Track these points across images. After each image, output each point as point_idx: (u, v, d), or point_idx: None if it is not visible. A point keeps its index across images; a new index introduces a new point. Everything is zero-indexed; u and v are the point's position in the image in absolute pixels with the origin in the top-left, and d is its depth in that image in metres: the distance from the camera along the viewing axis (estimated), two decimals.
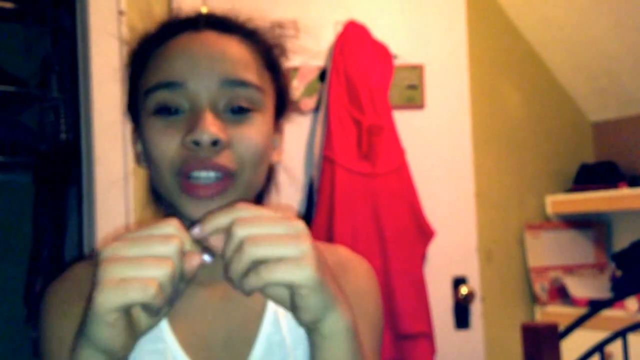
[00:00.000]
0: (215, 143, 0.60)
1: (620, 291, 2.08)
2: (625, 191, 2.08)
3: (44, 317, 0.67)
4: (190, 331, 0.66)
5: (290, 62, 1.69)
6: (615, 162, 2.24)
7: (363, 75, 1.70)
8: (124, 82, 0.71)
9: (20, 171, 2.33)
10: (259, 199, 0.72)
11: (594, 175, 2.23)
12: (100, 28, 1.59)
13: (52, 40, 2.26)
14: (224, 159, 0.61)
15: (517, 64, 2.26)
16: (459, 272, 1.81)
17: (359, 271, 0.72)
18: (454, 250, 1.79)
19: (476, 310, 1.81)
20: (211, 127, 0.60)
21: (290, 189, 1.69)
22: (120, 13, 1.61)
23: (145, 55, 0.66)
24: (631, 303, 1.95)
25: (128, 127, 1.35)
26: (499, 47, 2.22)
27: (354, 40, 1.72)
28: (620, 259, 2.15)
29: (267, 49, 0.68)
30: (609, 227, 2.32)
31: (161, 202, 0.70)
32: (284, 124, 0.73)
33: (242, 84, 0.63)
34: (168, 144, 0.61)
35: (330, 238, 1.61)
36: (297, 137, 1.72)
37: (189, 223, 0.56)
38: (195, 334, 0.66)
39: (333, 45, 1.73)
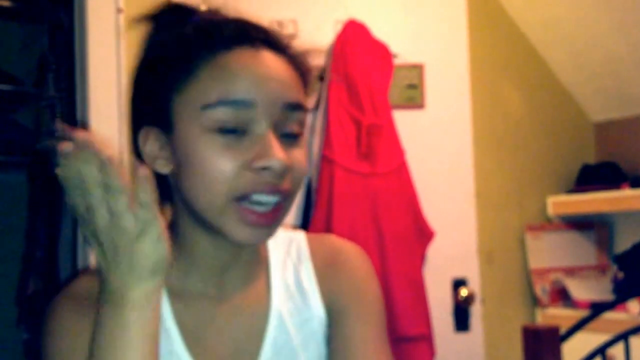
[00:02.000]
0: (285, 170, 0.61)
1: (622, 293, 2.08)
2: (627, 192, 2.08)
3: (51, 335, 0.65)
4: (201, 344, 0.67)
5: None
6: (618, 162, 2.24)
7: (363, 74, 1.70)
8: (142, 71, 0.67)
9: (15, 170, 2.33)
10: None
11: (595, 175, 2.23)
12: (98, 26, 1.59)
13: (49, 38, 2.26)
14: (287, 184, 0.63)
15: (518, 63, 2.26)
16: (459, 273, 1.80)
17: (353, 260, 0.74)
18: (453, 252, 1.79)
19: (476, 312, 1.80)
20: (282, 154, 0.61)
21: None
22: (119, 11, 1.61)
23: (191, 58, 0.63)
24: (633, 305, 1.94)
25: (125, 127, 1.35)
26: (500, 46, 2.22)
27: (354, 40, 1.72)
28: (622, 260, 2.15)
29: (303, 72, 0.69)
30: (611, 229, 2.31)
31: (187, 210, 0.67)
32: None
33: (299, 107, 0.65)
34: (229, 165, 0.61)
35: None
36: None
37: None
38: (206, 346, 0.67)
39: (333, 45, 1.73)
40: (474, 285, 1.80)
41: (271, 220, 0.62)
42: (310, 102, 0.70)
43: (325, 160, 1.66)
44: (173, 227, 0.69)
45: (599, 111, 2.35)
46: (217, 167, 0.61)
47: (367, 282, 0.73)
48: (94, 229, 0.54)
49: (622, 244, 2.25)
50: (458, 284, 1.80)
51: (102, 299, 0.56)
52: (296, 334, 0.69)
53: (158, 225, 0.54)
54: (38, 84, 2.27)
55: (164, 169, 0.66)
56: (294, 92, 0.64)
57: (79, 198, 0.53)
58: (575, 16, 2.13)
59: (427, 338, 1.68)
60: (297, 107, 0.64)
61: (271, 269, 0.72)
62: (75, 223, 1.87)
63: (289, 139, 0.64)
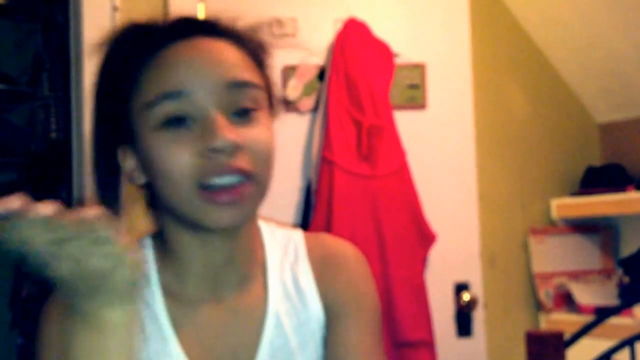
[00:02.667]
0: (233, 148, 0.62)
1: (627, 298, 2.07)
2: (633, 194, 2.07)
3: (42, 343, 0.65)
4: (197, 346, 0.67)
5: (288, 60, 1.67)
6: (623, 164, 2.23)
7: (363, 74, 1.70)
8: (99, 94, 0.69)
9: (8, 171, 2.32)
10: None
11: (600, 178, 2.22)
12: (93, 24, 1.59)
13: (44, 36, 2.26)
14: (241, 161, 0.62)
15: (521, 63, 2.26)
16: (461, 277, 1.80)
17: (351, 262, 0.74)
18: (456, 255, 1.79)
19: (479, 317, 1.79)
20: (227, 132, 0.61)
21: (287, 191, 1.69)
22: (115, 9, 1.61)
23: (133, 65, 0.66)
24: (639, 310, 1.94)
25: None
26: (503, 45, 2.22)
27: (354, 39, 1.71)
28: (627, 264, 2.14)
29: (254, 49, 0.70)
30: (616, 232, 2.31)
31: (169, 214, 0.68)
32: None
33: (246, 84, 0.65)
34: (182, 155, 0.62)
35: None
36: (295, 138, 1.71)
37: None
38: (203, 348, 0.67)
39: (333, 44, 1.72)
40: (477, 289, 1.79)
41: (238, 196, 0.62)
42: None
43: (325, 161, 1.65)
44: (162, 234, 0.69)
45: (604, 112, 2.35)
46: (172, 160, 0.62)
47: (364, 285, 0.74)
48: (57, 275, 0.52)
49: (628, 248, 2.24)
50: (460, 288, 1.79)
51: (74, 319, 0.54)
52: (293, 335, 0.69)
53: (131, 257, 0.53)
54: (32, 83, 2.27)
55: (141, 179, 0.68)
56: (236, 71, 0.65)
57: (32, 259, 0.50)
58: (579, 15, 2.13)
59: (428, 343, 1.67)
60: (242, 84, 0.64)
61: (268, 269, 0.72)
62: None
63: (242, 117, 0.64)
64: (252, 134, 0.64)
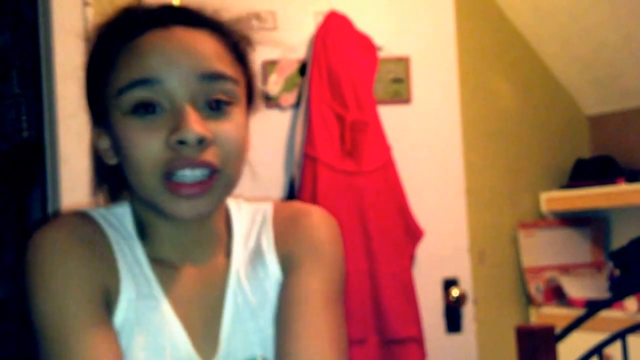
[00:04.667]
0: (200, 141, 0.64)
1: (618, 291, 2.09)
2: (623, 187, 2.10)
3: (48, 265, 0.66)
4: (180, 302, 0.71)
5: (268, 55, 1.67)
6: (613, 156, 2.26)
7: (346, 68, 1.70)
8: (84, 75, 0.74)
9: None
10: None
11: (590, 170, 2.24)
12: (63, 20, 1.58)
13: (12, 33, 2.22)
14: (210, 155, 0.65)
15: (508, 55, 2.27)
16: (450, 273, 1.81)
17: (314, 220, 0.75)
18: (444, 251, 1.80)
19: (468, 313, 1.81)
20: (196, 125, 0.63)
21: (269, 188, 1.68)
22: (85, 4, 1.60)
23: (112, 50, 0.68)
24: (630, 303, 1.97)
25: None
26: (489, 37, 2.23)
27: (336, 32, 1.71)
28: (618, 257, 2.16)
29: (235, 41, 0.72)
30: (607, 225, 2.34)
31: (133, 195, 0.72)
32: (252, 115, 0.77)
33: (220, 77, 0.67)
34: (151, 144, 0.64)
35: None
36: (277, 134, 1.71)
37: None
38: (185, 304, 0.71)
39: (314, 37, 1.72)
40: (466, 285, 1.81)
41: (201, 192, 0.65)
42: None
43: (308, 158, 1.66)
44: (135, 213, 0.74)
45: (593, 104, 2.37)
46: (140, 147, 0.65)
47: (325, 240, 0.74)
48: None
49: (618, 240, 2.27)
50: (449, 284, 1.81)
51: None
52: (252, 295, 0.72)
53: None
54: (1, 81, 2.23)
55: (113, 161, 0.72)
56: (211, 63, 0.67)
57: None
58: (567, 5, 2.15)
59: (417, 340, 1.68)
60: (216, 76, 0.66)
61: (234, 238, 0.75)
62: (45, 224, 1.84)
63: (214, 111, 0.66)
64: (222, 128, 0.66)
